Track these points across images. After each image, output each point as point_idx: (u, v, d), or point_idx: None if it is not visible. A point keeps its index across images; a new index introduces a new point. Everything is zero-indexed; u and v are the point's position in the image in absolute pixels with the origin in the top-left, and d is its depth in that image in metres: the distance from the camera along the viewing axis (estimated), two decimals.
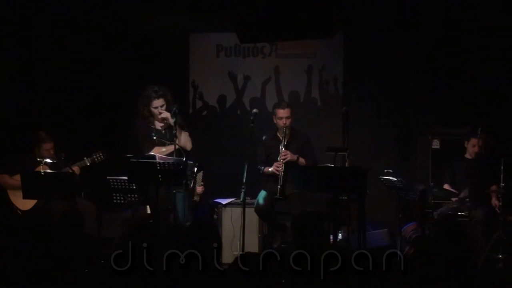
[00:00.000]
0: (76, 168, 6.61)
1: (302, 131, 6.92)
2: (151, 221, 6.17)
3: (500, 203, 6.48)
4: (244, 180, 6.04)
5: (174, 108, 6.23)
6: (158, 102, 6.28)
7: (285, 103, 6.85)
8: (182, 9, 7.80)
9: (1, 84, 7.33)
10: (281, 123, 6.64)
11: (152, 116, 6.32)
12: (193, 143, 6.40)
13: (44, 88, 7.61)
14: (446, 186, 6.97)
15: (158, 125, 6.36)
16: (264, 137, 6.85)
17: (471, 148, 6.87)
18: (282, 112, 6.63)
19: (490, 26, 7.32)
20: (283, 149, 6.56)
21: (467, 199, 6.80)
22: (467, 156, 6.94)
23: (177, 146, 6.09)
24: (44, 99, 7.62)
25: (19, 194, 6.09)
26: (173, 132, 6.13)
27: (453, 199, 6.81)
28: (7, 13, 7.13)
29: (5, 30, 7.23)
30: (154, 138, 6.43)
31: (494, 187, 6.62)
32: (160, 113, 6.26)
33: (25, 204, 6.45)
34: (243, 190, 6.06)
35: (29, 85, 7.49)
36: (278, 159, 6.57)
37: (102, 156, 6.67)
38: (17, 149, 6.90)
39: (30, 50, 7.45)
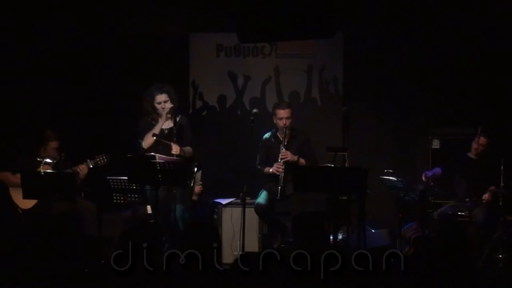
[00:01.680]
0: (83, 167, 6.60)
1: (302, 131, 6.92)
2: (151, 221, 6.17)
3: (500, 203, 6.48)
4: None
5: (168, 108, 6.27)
6: (161, 97, 6.31)
7: (285, 103, 6.85)
8: (182, 9, 7.80)
9: (5, 84, 7.33)
10: (281, 123, 6.63)
11: (155, 112, 6.33)
12: (193, 143, 6.44)
13: (44, 88, 7.60)
14: (424, 177, 6.90)
15: (162, 123, 6.34)
16: (270, 132, 6.82)
17: (476, 145, 6.84)
18: (282, 113, 6.63)
19: (490, 26, 7.32)
20: (283, 150, 6.56)
21: (467, 199, 6.81)
22: (470, 155, 6.93)
23: (177, 151, 6.09)
24: (44, 99, 7.61)
25: (21, 192, 6.10)
26: (173, 132, 6.16)
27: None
28: (13, 15, 7.14)
29: (7, 31, 7.23)
30: (154, 138, 6.45)
31: (492, 188, 6.61)
32: (163, 109, 6.27)
33: (26, 203, 6.44)
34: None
35: (30, 85, 7.49)
36: (279, 159, 6.57)
37: (105, 160, 6.67)
38: (20, 148, 6.90)
39: (31, 51, 7.45)
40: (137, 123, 6.46)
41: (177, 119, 6.36)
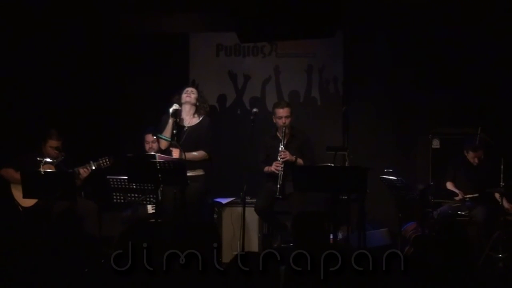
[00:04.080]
0: (86, 170, 6.60)
1: (302, 130, 6.92)
2: (152, 220, 6.17)
3: (500, 203, 6.47)
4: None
5: (171, 108, 6.27)
6: (190, 89, 6.47)
7: (284, 102, 6.86)
8: (182, 9, 7.80)
9: (8, 84, 7.34)
10: (280, 122, 6.64)
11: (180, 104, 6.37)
12: (212, 148, 6.48)
13: (44, 87, 7.61)
14: (449, 185, 6.95)
15: (186, 120, 6.39)
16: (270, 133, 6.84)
17: (471, 159, 6.87)
18: (281, 112, 6.63)
19: (490, 26, 7.32)
20: (282, 149, 6.56)
21: (467, 198, 6.80)
22: (473, 162, 6.93)
23: (177, 155, 6.10)
24: (45, 98, 7.60)
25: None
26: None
27: (456, 198, 6.81)
28: (14, 15, 7.14)
29: (9, 31, 7.23)
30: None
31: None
32: (188, 98, 6.36)
33: (27, 201, 6.43)
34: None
35: (32, 85, 7.50)
36: (278, 158, 6.57)
37: (108, 162, 6.66)
38: (24, 147, 6.91)
39: (33, 52, 7.45)
40: (160, 118, 6.48)
41: (200, 118, 6.40)
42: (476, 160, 6.84)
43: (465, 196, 6.76)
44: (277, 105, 6.74)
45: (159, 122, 6.46)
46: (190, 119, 6.41)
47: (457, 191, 6.83)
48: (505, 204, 6.54)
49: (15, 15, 7.20)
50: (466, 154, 6.91)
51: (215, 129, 6.63)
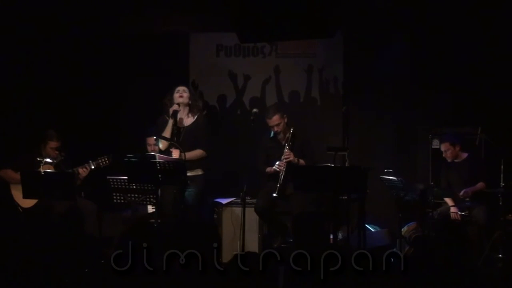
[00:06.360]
0: (85, 170, 6.60)
1: (301, 131, 6.90)
2: (152, 220, 6.18)
3: (500, 203, 6.47)
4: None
5: (171, 109, 6.28)
6: (181, 88, 6.46)
7: (272, 110, 6.74)
8: (182, 9, 7.79)
9: (8, 84, 7.34)
10: (273, 130, 6.65)
11: (170, 106, 6.39)
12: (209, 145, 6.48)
13: (45, 87, 7.61)
14: (449, 202, 6.89)
15: (182, 120, 6.40)
16: (268, 133, 6.85)
17: (444, 153, 6.85)
18: (270, 122, 6.63)
19: (490, 26, 7.32)
20: (287, 150, 6.55)
21: (467, 198, 6.80)
22: (447, 159, 6.92)
23: (177, 156, 6.11)
24: (45, 98, 7.61)
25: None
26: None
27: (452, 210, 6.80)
28: (14, 16, 7.14)
29: (8, 32, 7.23)
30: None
31: (480, 185, 6.62)
32: (181, 97, 6.37)
33: (27, 202, 6.43)
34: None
35: (32, 85, 7.49)
36: (282, 158, 6.55)
37: (107, 161, 6.67)
38: (22, 147, 6.91)
39: (32, 52, 7.44)
40: (155, 121, 6.49)
41: (195, 118, 6.41)
42: (448, 154, 6.79)
43: (458, 216, 6.73)
44: (266, 115, 6.70)
45: (155, 124, 6.47)
46: (185, 119, 6.42)
47: (452, 206, 6.81)
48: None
49: (15, 16, 7.20)
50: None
51: (210, 126, 6.63)
